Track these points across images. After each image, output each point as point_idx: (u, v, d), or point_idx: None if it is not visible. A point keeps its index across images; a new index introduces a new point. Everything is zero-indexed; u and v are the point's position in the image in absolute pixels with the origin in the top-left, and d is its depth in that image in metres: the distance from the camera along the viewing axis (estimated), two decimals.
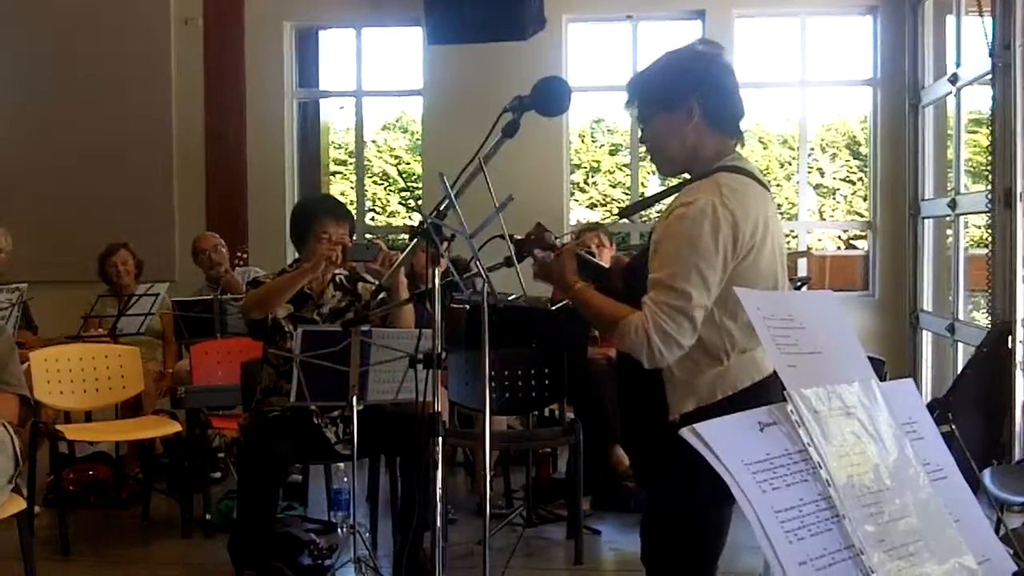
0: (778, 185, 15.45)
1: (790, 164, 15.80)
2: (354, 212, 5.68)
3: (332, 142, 13.68)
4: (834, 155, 16.69)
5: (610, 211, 15.63)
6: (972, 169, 7.42)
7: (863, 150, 14.74)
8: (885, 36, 7.36)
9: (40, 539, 4.48)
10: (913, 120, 7.19)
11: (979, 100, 6.28)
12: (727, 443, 1.45)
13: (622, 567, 4.51)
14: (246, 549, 3.99)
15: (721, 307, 2.25)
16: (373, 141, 16.68)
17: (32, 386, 4.25)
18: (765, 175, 2.50)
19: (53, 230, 7.40)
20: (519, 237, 2.54)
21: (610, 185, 16.53)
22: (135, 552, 4.68)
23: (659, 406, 2.29)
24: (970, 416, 5.01)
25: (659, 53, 2.48)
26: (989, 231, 5.59)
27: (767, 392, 2.22)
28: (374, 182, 16.49)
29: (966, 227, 6.69)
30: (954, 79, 6.32)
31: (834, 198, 16.60)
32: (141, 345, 5.68)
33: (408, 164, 16.79)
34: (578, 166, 15.76)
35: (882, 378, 1.74)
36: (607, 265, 2.70)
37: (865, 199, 12.08)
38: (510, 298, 3.06)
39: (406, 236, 7.28)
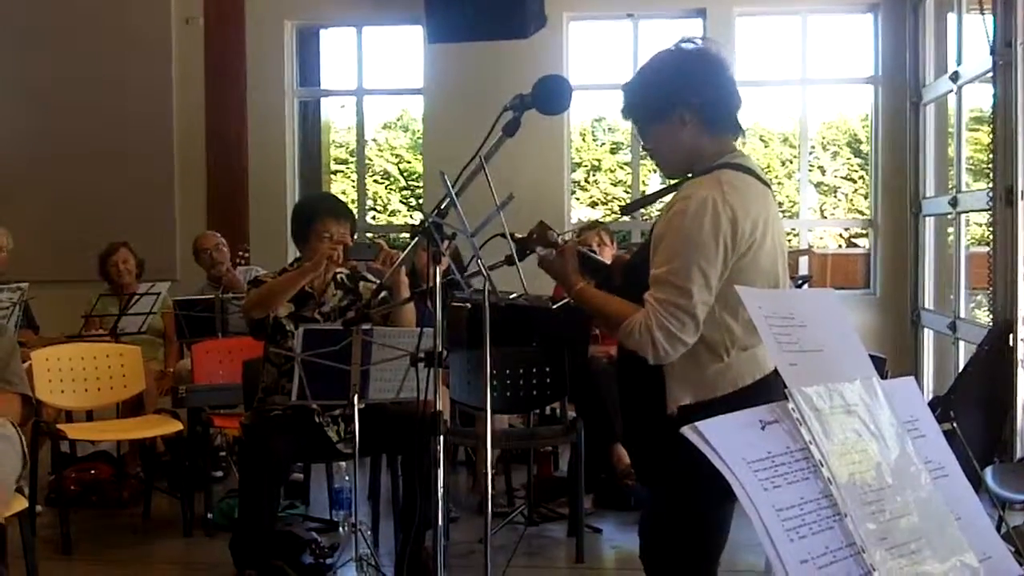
0: (779, 183, 15.44)
1: (791, 162, 15.78)
2: (355, 211, 5.66)
3: (333, 141, 13.68)
4: (835, 153, 16.68)
5: (611, 209, 15.63)
6: (973, 167, 7.42)
7: (864, 148, 14.73)
8: (886, 34, 7.36)
9: (42, 538, 4.48)
10: (914, 118, 7.19)
11: (980, 98, 6.28)
12: (729, 441, 1.45)
13: (623, 565, 4.51)
14: (248, 548, 3.99)
15: (721, 303, 2.26)
16: (374, 140, 16.67)
17: (33, 385, 4.24)
18: (766, 173, 2.50)
19: (54, 230, 7.40)
20: (520, 236, 2.55)
21: (611, 183, 16.52)
22: (136, 551, 4.68)
23: (659, 400, 2.29)
24: (972, 414, 5.02)
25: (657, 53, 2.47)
26: (990, 229, 5.59)
27: (768, 390, 2.22)
28: (375, 181, 16.49)
29: (967, 225, 6.69)
30: (955, 77, 6.32)
31: (835, 196, 16.59)
32: (142, 344, 5.67)
33: (409, 163, 16.78)
34: (579, 164, 15.75)
35: (883, 376, 1.74)
36: (608, 263, 2.70)
37: (866, 197, 12.09)
38: (511, 297, 3.06)
39: (407, 235, 7.29)
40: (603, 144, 17.05)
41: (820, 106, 16.42)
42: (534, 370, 4.89)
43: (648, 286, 2.26)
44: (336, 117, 14.33)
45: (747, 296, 1.66)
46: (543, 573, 4.43)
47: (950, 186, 6.66)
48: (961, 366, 5.99)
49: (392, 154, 17.27)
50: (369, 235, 8.23)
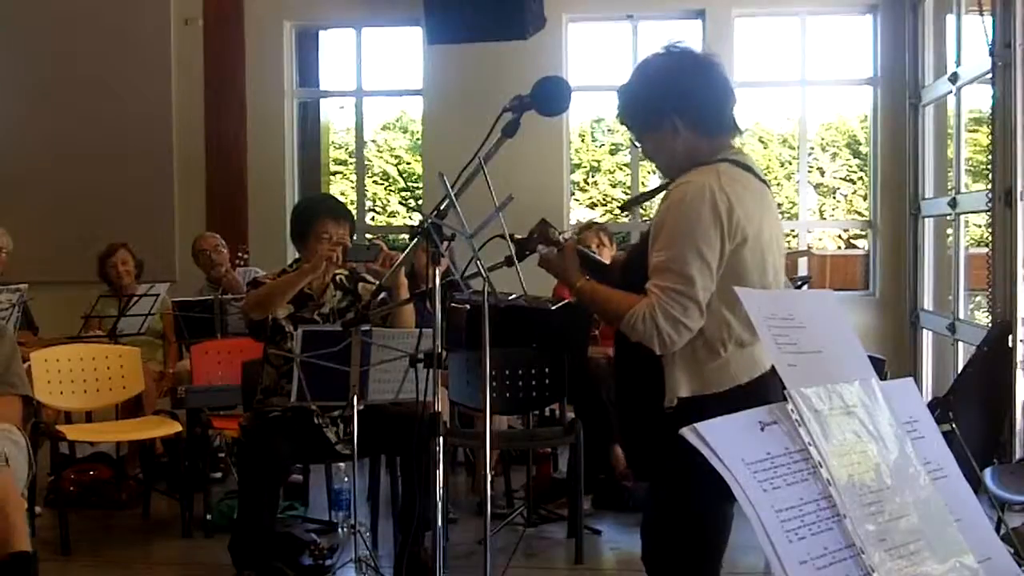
0: (778, 184, 15.44)
1: (790, 163, 15.80)
2: (354, 212, 5.67)
3: (332, 142, 13.68)
4: (834, 154, 16.69)
5: (610, 210, 15.63)
6: (972, 168, 7.42)
7: (863, 149, 14.74)
8: (885, 35, 7.36)
9: (41, 539, 4.47)
10: (913, 119, 7.18)
11: (979, 99, 6.28)
12: (728, 442, 1.45)
13: (623, 567, 4.51)
14: (247, 549, 3.99)
15: (719, 297, 2.26)
16: (373, 141, 16.68)
17: (32, 386, 4.25)
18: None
19: (53, 230, 7.40)
20: (520, 236, 2.55)
21: (610, 185, 16.52)
22: (135, 552, 4.68)
23: (657, 393, 2.29)
24: (971, 415, 5.01)
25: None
26: (989, 230, 5.59)
27: (765, 388, 2.23)
28: (374, 182, 16.49)
29: (966, 226, 6.69)
30: (954, 78, 6.32)
31: (834, 197, 16.61)
32: (141, 345, 5.68)
33: (408, 164, 16.79)
34: (578, 166, 15.75)
35: (883, 377, 1.74)
36: (607, 263, 2.70)
37: (865, 198, 12.10)
38: (511, 298, 3.06)
39: (406, 236, 7.29)
40: (602, 145, 17.06)
41: (819, 107, 16.45)
42: (533, 371, 4.90)
43: (648, 278, 2.27)
44: (335, 118, 14.35)
45: (746, 297, 1.66)
46: (542, 574, 4.43)
47: (949, 187, 6.66)
48: (960, 367, 5.99)
49: (391, 155, 17.27)
50: (368, 236, 8.23)
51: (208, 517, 4.80)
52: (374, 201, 16.42)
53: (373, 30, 8.24)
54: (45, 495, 5.04)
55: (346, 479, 4.78)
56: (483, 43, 7.00)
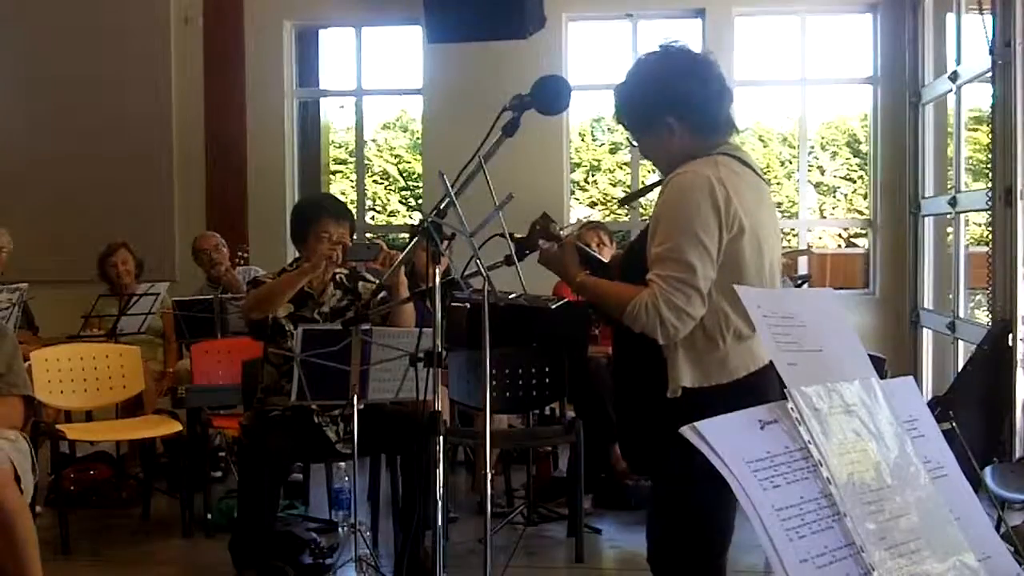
0: (778, 183, 15.44)
1: (790, 162, 15.79)
2: (354, 211, 5.67)
3: (332, 141, 13.68)
4: (834, 153, 16.68)
5: (611, 210, 15.63)
6: (972, 167, 7.42)
7: (863, 148, 14.73)
8: (885, 34, 7.36)
9: (41, 539, 4.40)
10: (913, 118, 7.18)
11: (979, 98, 6.28)
12: (728, 441, 1.45)
13: (623, 565, 4.51)
14: (247, 548, 3.99)
15: (716, 287, 2.26)
16: (373, 140, 16.66)
17: (33, 386, 4.25)
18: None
19: (53, 230, 7.40)
20: (519, 236, 2.55)
21: (610, 184, 16.51)
22: (136, 552, 4.67)
23: (656, 386, 2.29)
24: (971, 414, 5.02)
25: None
26: (989, 229, 5.59)
27: (766, 381, 2.23)
28: (374, 181, 16.48)
29: (966, 225, 6.69)
30: (954, 77, 6.32)
31: (834, 196, 16.59)
32: (142, 345, 5.67)
33: (408, 163, 16.77)
34: (578, 165, 15.74)
35: (883, 376, 1.74)
36: (607, 261, 2.70)
37: (865, 197, 12.09)
38: (511, 297, 3.06)
39: (406, 235, 7.29)
40: (602, 144, 17.04)
41: (819, 106, 16.42)
42: (533, 370, 4.90)
43: (650, 267, 2.27)
44: (335, 117, 14.34)
45: (746, 296, 1.66)
46: (543, 573, 4.43)
47: (949, 186, 6.66)
48: (960, 366, 5.99)
49: (391, 154, 17.26)
50: (369, 236, 8.23)
51: (208, 516, 4.80)
52: (374, 200, 16.41)
53: (373, 29, 8.24)
54: (45, 494, 5.03)
55: (346, 478, 4.78)
56: (483, 42, 7.00)
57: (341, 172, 15.34)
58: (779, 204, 14.39)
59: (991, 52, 5.46)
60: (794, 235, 8.07)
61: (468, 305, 4.71)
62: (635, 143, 2.50)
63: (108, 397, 5.25)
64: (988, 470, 4.12)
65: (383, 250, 4.07)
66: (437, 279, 2.67)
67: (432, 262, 2.68)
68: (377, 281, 4.24)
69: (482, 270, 2.67)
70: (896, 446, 1.61)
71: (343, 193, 13.70)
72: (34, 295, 5.77)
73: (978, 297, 6.79)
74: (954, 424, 2.90)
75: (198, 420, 4.94)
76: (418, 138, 13.22)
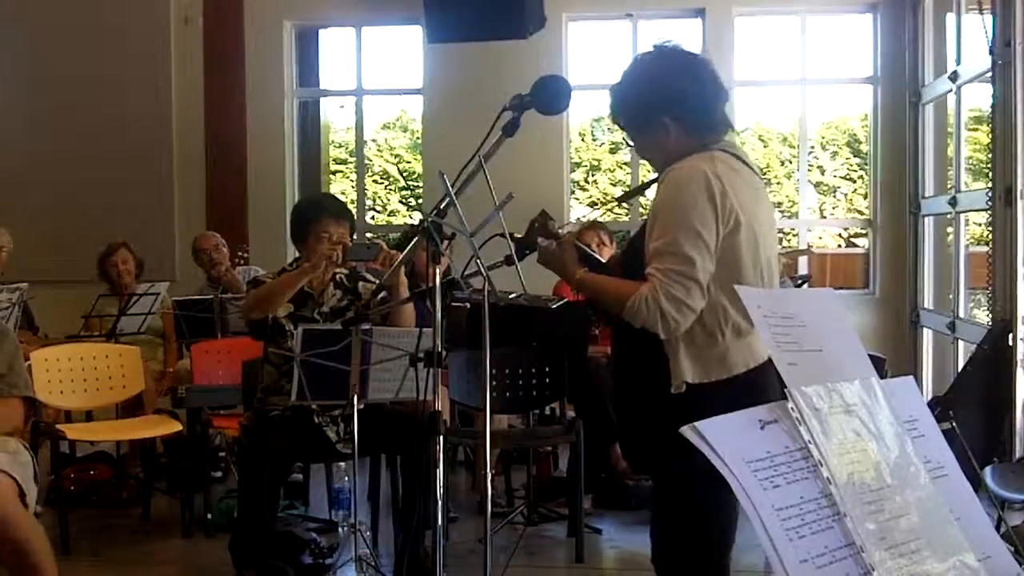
0: (778, 183, 15.44)
1: (790, 162, 15.79)
2: (354, 211, 5.67)
3: (332, 141, 13.68)
4: (834, 153, 16.68)
5: (611, 210, 15.62)
6: (972, 167, 7.42)
7: (863, 148, 14.73)
8: (885, 34, 7.36)
9: None
10: (913, 118, 7.18)
11: (979, 97, 6.28)
12: (728, 441, 1.45)
13: (623, 565, 4.51)
14: (247, 548, 3.99)
15: (714, 281, 2.26)
16: (373, 140, 16.67)
17: (33, 386, 4.25)
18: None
19: (53, 230, 7.40)
20: (519, 235, 2.55)
21: (610, 183, 16.51)
22: (136, 552, 4.67)
23: (657, 382, 2.29)
24: (971, 414, 5.02)
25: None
26: (989, 228, 5.59)
27: (763, 378, 2.23)
28: (374, 181, 16.48)
29: (966, 224, 6.69)
30: (954, 77, 6.32)
31: (834, 196, 16.60)
32: (142, 344, 5.67)
33: (408, 163, 16.78)
34: (578, 164, 15.74)
35: (883, 376, 1.74)
36: (605, 261, 2.71)
37: (865, 197, 12.08)
38: (511, 297, 3.06)
39: (398, 234, 7.29)
40: (602, 144, 17.04)
41: (819, 106, 16.43)
42: (533, 370, 4.90)
43: (649, 262, 2.27)
44: (335, 117, 14.36)
45: (746, 296, 1.66)
46: (543, 573, 4.43)
47: (949, 186, 6.66)
48: (960, 366, 5.99)
49: (391, 154, 17.27)
50: (369, 235, 8.22)
51: (208, 516, 4.80)
52: (374, 200, 16.42)
53: (373, 29, 8.24)
54: (45, 495, 5.03)
55: (346, 478, 4.78)
56: (483, 42, 7.00)
57: (341, 172, 15.34)
58: (779, 204, 14.39)
59: (991, 52, 5.46)
60: (794, 235, 8.07)
61: (468, 305, 4.71)
62: (631, 143, 2.51)
63: (108, 397, 5.25)
64: (988, 470, 4.12)
65: (383, 250, 4.07)
66: (437, 279, 2.67)
67: (432, 262, 2.68)
68: (377, 281, 4.24)
69: (482, 270, 2.67)
70: (896, 446, 1.61)
71: (343, 193, 13.71)
72: (34, 295, 5.77)
73: (978, 297, 6.80)
74: (954, 424, 2.90)
75: (198, 420, 4.94)
76: (418, 138, 13.22)
